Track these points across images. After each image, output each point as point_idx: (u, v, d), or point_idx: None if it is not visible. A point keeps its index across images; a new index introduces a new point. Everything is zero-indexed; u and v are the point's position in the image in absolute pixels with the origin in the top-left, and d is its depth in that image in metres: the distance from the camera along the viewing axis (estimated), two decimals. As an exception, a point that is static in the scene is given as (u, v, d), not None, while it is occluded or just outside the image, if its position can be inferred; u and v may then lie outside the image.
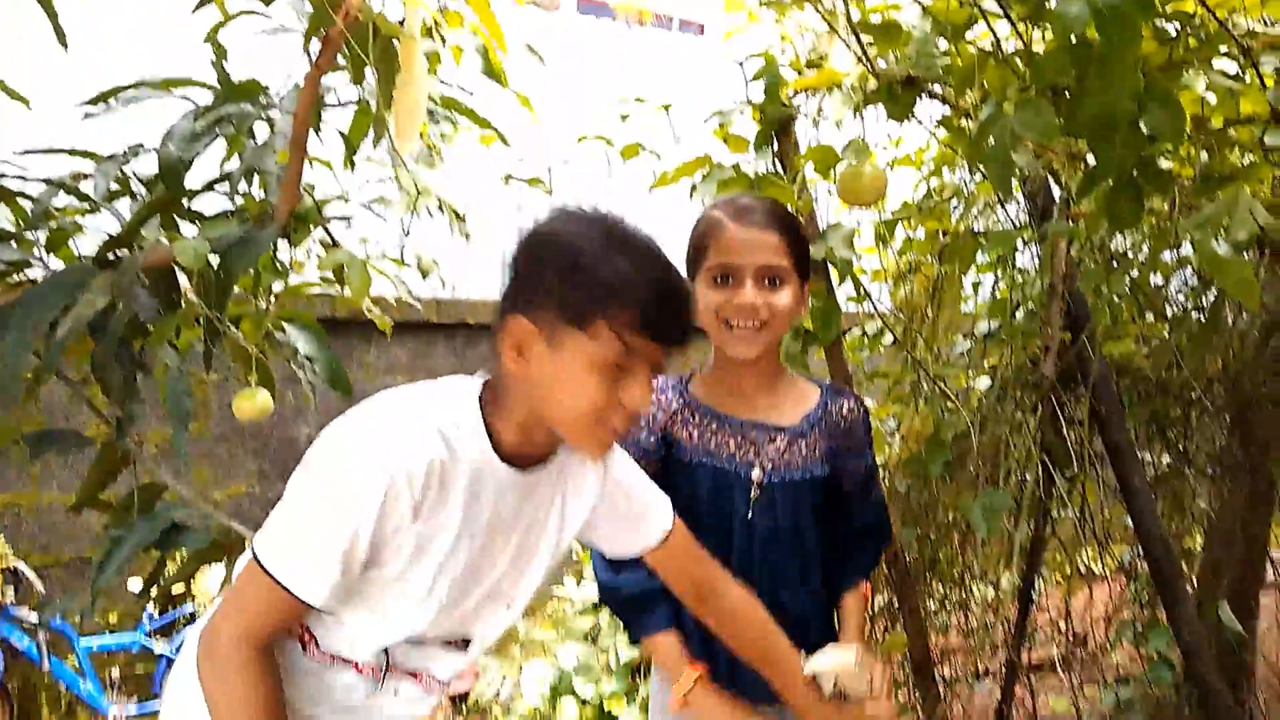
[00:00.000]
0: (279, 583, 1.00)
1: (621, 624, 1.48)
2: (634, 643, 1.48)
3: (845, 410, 1.51)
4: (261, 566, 1.01)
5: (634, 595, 1.41)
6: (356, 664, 1.13)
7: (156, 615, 3.60)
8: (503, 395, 1.07)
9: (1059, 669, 3.53)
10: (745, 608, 1.31)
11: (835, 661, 1.31)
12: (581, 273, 0.98)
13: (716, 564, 1.31)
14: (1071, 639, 3.61)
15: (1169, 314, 2.90)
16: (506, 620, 1.20)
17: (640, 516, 1.24)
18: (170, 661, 3.57)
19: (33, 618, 3.28)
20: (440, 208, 1.76)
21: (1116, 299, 2.72)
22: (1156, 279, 2.84)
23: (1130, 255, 2.55)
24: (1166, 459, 3.17)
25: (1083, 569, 3.58)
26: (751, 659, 1.33)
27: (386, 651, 1.12)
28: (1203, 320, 2.88)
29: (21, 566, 3.32)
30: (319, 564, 0.99)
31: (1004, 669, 3.19)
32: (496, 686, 3.64)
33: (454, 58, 2.04)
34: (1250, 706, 3.39)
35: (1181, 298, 2.92)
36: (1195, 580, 3.45)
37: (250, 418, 1.84)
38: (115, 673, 3.58)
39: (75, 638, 3.40)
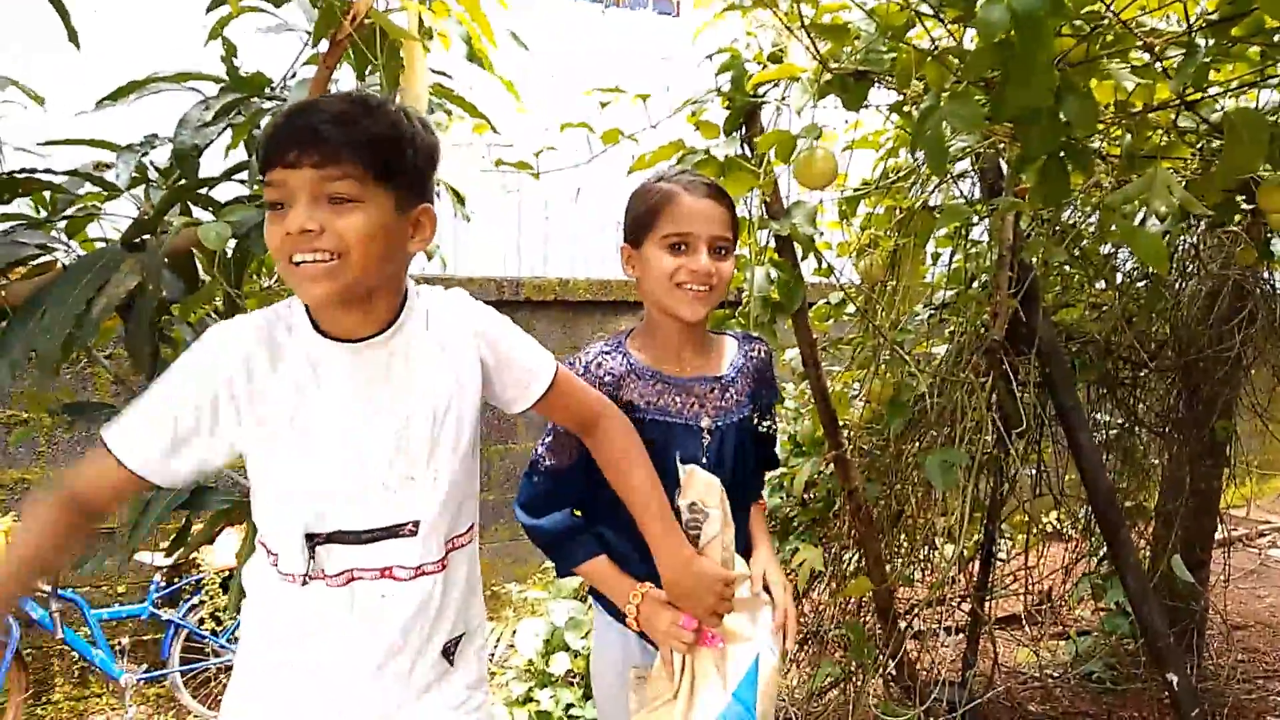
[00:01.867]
0: (105, 444, 1.16)
1: (552, 560, 1.63)
2: (562, 576, 1.63)
3: (761, 353, 1.69)
4: (100, 440, 1.18)
5: (558, 532, 1.56)
6: (323, 576, 1.22)
7: (163, 585, 3.75)
8: None
9: (1024, 623, 3.74)
10: (619, 440, 1.43)
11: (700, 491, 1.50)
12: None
13: (595, 404, 1.43)
14: (1034, 594, 3.82)
15: (1118, 281, 3.08)
16: (440, 495, 1.26)
17: (526, 376, 1.35)
18: (178, 628, 3.73)
19: (45, 588, 3.43)
20: (444, 191, 1.90)
21: (1067, 268, 2.90)
22: (1106, 248, 3.02)
23: (1079, 227, 2.73)
24: (1118, 418, 3.37)
25: (1047, 527, 3.79)
26: (620, 489, 1.45)
27: (313, 550, 1.21)
28: (1150, 286, 3.07)
29: (33, 539, 3.46)
30: (141, 426, 1.16)
31: (968, 621, 3.39)
32: (491, 647, 3.82)
33: (443, 44, 2.19)
34: (1200, 651, 3.62)
35: (1129, 265, 3.10)
36: (1150, 535, 3.67)
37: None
38: (125, 641, 3.74)
39: (86, 607, 3.54)
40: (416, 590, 1.27)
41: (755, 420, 1.68)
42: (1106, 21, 1.36)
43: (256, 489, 1.25)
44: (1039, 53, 1.28)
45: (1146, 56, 1.60)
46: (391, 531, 1.24)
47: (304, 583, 1.23)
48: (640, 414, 1.56)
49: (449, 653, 1.34)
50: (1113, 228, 2.79)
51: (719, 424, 1.60)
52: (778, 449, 2.78)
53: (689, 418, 1.59)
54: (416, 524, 1.25)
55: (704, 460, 1.58)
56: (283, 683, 1.28)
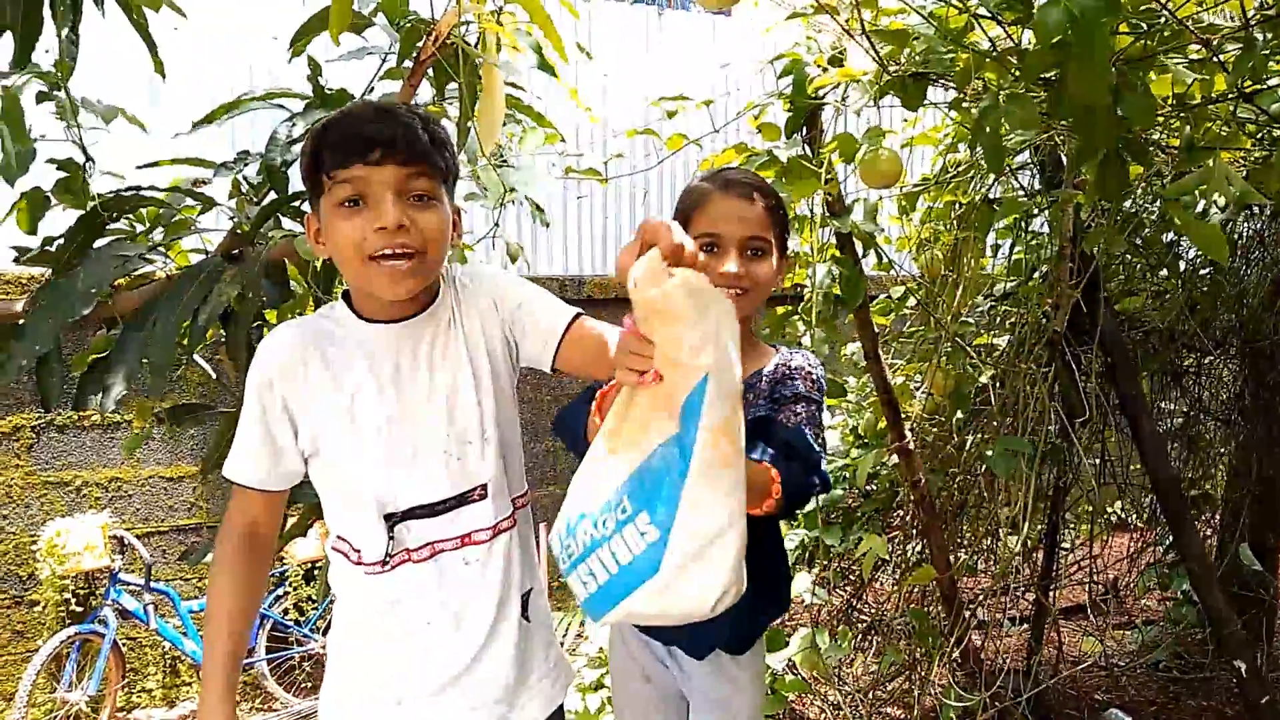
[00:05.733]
0: (229, 480, 1.30)
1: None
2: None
3: (794, 364, 1.52)
4: (225, 480, 1.32)
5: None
6: (408, 555, 1.27)
7: (247, 578, 3.91)
8: None
9: (1089, 613, 3.74)
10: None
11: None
12: (306, 157, 1.21)
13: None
14: (1099, 583, 3.81)
15: (1181, 269, 3.07)
16: (492, 453, 1.31)
17: (546, 330, 1.31)
18: (263, 618, 3.89)
19: (140, 581, 3.62)
20: (524, 200, 1.98)
21: (1129, 256, 2.90)
22: (1168, 236, 3.01)
23: (1140, 215, 2.73)
24: (1183, 407, 3.36)
25: (1111, 517, 3.77)
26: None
27: (393, 529, 1.26)
28: (1213, 274, 3.06)
29: (127, 536, 3.65)
30: (243, 452, 1.29)
31: (1033, 611, 3.40)
32: (560, 636, 3.92)
33: (511, 56, 2.28)
34: (1270, 639, 3.58)
35: (1192, 253, 3.09)
36: (1218, 523, 3.65)
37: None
38: (212, 631, 3.90)
39: (178, 600, 3.72)
40: (499, 548, 1.32)
41: (775, 415, 1.48)
42: (1163, 19, 1.40)
43: (327, 486, 1.31)
44: (1096, 52, 1.32)
45: (1203, 51, 1.63)
46: (463, 499, 1.30)
47: (390, 566, 1.27)
48: None
49: (525, 608, 1.38)
50: (1170, 217, 2.82)
51: None
52: (838, 441, 2.84)
53: None
54: (484, 487, 1.31)
55: None
56: (387, 674, 1.32)
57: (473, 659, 1.32)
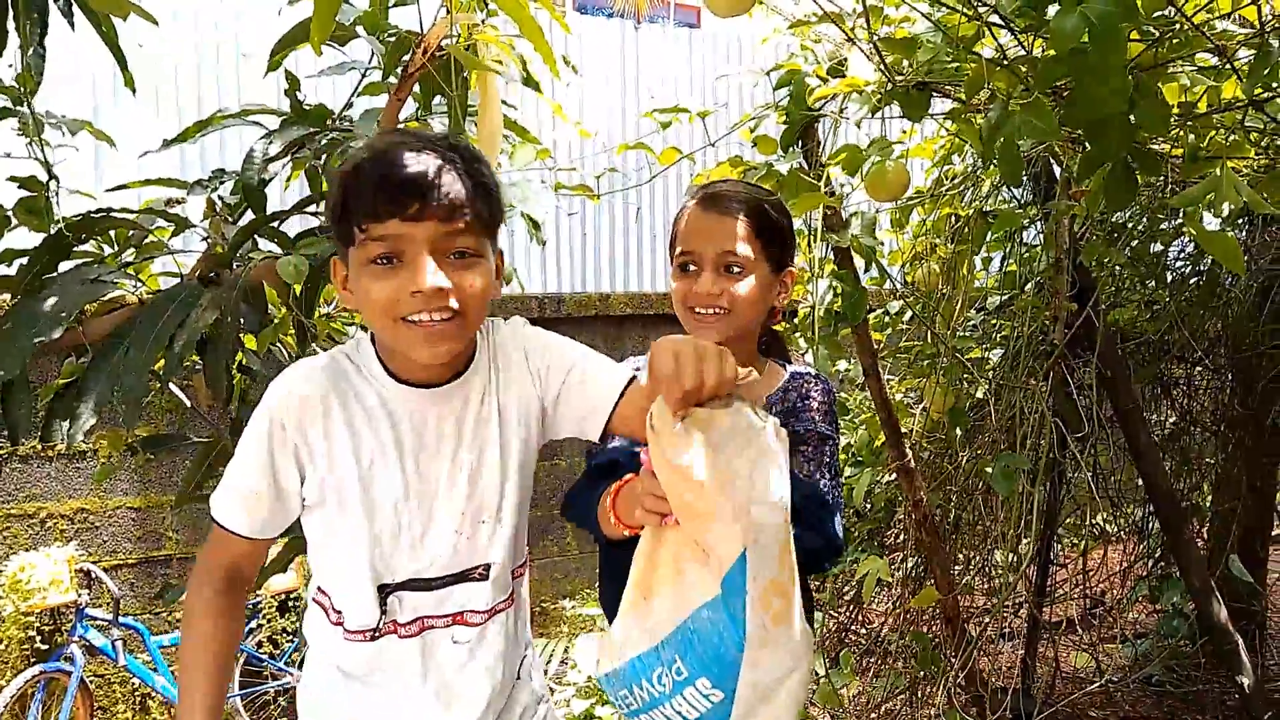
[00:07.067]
0: (217, 522, 1.17)
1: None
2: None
3: (803, 388, 1.46)
4: (211, 518, 1.18)
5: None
6: (395, 628, 1.19)
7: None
8: None
9: (1079, 627, 3.71)
10: None
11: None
12: (334, 202, 1.10)
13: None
14: (1090, 598, 3.79)
15: (1169, 279, 3.07)
16: (505, 537, 1.21)
17: (598, 399, 1.21)
18: (239, 653, 3.77)
19: (108, 616, 3.48)
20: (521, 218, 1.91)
21: (1119, 268, 2.89)
22: (1156, 246, 3.00)
23: (1130, 226, 2.71)
24: (1173, 418, 3.35)
25: (1098, 530, 3.76)
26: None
27: (385, 600, 1.17)
28: (1201, 284, 3.05)
29: (95, 569, 3.51)
30: (239, 497, 1.15)
31: (1026, 626, 3.36)
32: (544, 664, 3.83)
33: (508, 62, 2.22)
34: (1262, 652, 3.57)
35: (1180, 263, 3.09)
36: (1206, 534, 3.63)
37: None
38: (184, 666, 3.77)
39: (147, 635, 3.59)
40: (494, 632, 1.23)
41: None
42: (1177, 25, 1.36)
43: (321, 544, 1.21)
44: (1114, 59, 1.28)
45: (1214, 58, 1.60)
46: (462, 576, 1.21)
47: (374, 637, 1.19)
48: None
49: (517, 675, 1.32)
50: (1164, 226, 2.81)
51: None
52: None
53: None
54: (487, 567, 1.21)
55: None
56: None
57: None
